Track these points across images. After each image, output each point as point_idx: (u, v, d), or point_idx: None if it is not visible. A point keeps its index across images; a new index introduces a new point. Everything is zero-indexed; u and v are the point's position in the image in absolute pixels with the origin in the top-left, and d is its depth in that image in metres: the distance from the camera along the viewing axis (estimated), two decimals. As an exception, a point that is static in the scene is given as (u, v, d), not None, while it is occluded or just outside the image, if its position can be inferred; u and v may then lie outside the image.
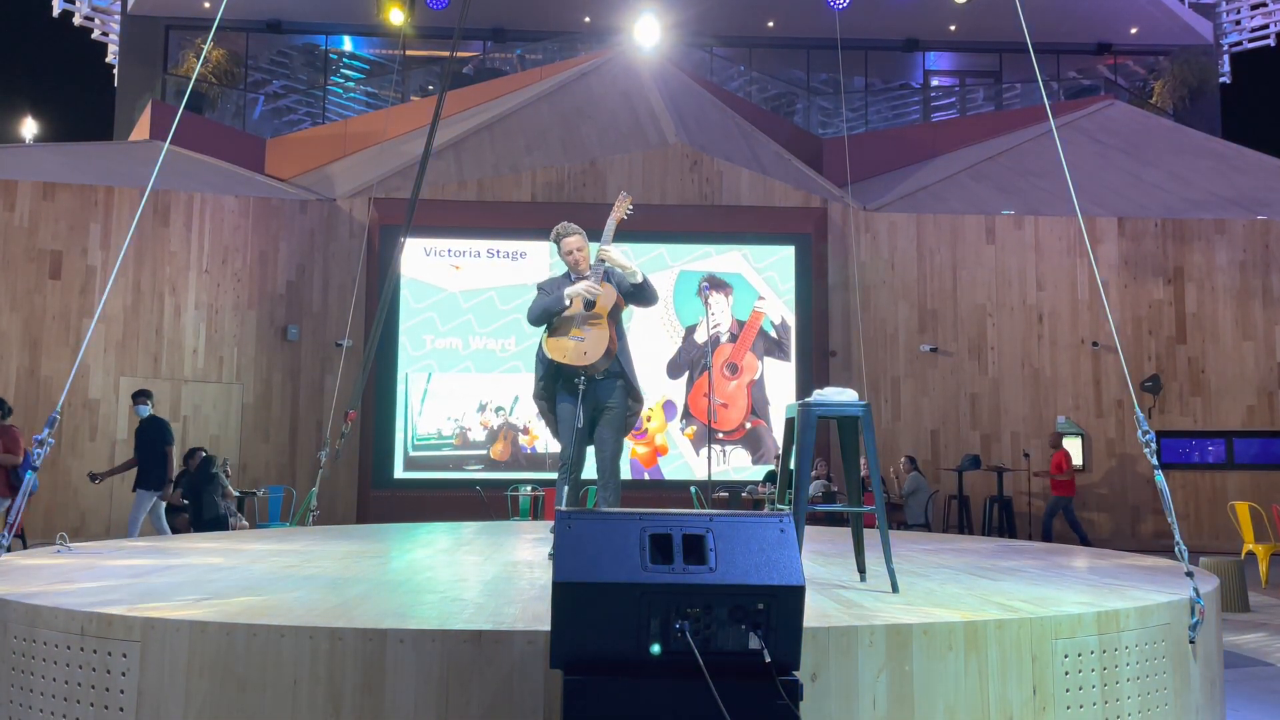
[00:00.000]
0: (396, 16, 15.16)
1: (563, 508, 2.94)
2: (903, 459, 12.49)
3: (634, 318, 13.79)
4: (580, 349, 4.82)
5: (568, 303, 4.83)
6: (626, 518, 2.59)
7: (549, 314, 4.90)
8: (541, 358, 4.97)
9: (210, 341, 12.99)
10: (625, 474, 13.37)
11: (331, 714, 2.93)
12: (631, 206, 5.14)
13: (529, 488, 11.93)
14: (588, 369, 4.82)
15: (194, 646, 3.01)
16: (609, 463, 4.92)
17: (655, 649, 2.47)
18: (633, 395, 5.01)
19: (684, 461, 13.86)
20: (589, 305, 4.86)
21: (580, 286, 4.84)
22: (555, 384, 4.95)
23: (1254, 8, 21.65)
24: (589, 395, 4.85)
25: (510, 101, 15.66)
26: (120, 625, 3.10)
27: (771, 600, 2.50)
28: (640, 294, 4.97)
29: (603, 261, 4.93)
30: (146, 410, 8.87)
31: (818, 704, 2.96)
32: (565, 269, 5.09)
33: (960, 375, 13.89)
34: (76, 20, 20.79)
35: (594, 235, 4.97)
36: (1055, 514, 12.05)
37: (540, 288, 5.08)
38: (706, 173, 14.01)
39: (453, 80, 13.06)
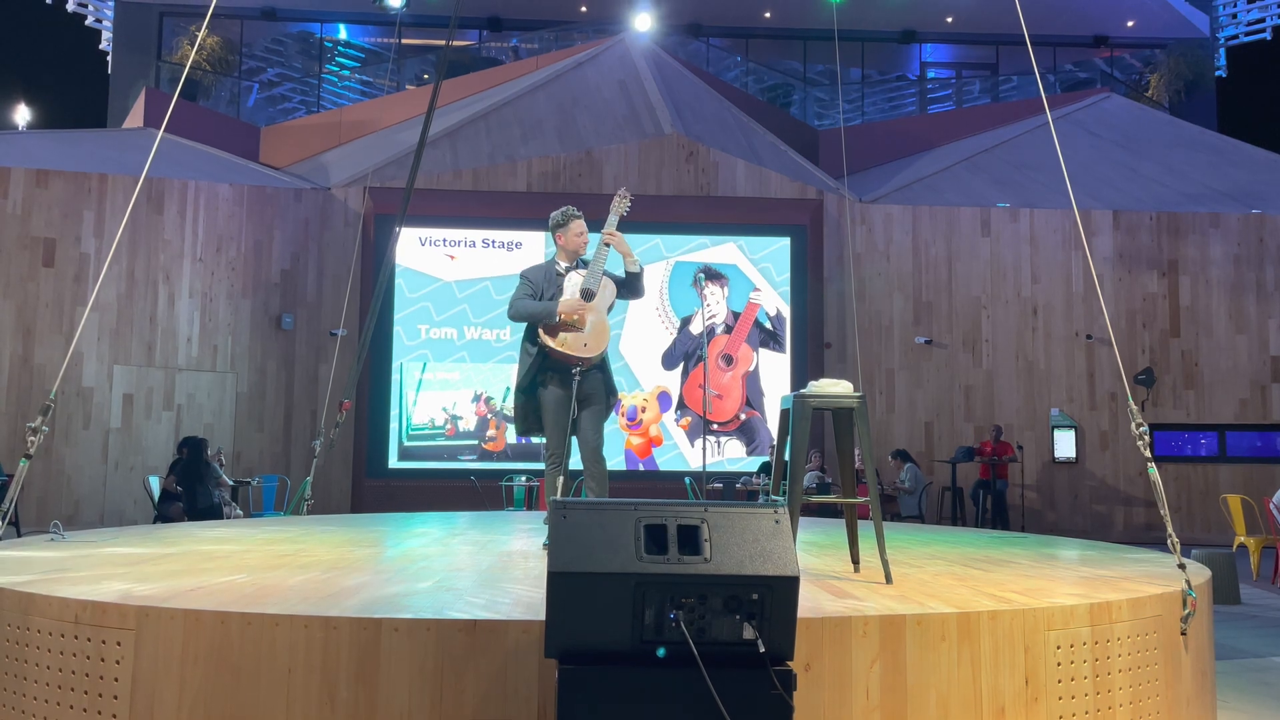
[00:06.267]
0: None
1: (555, 498, 2.95)
2: (890, 454, 12.43)
3: (629, 308, 13.78)
4: (580, 339, 4.77)
5: (558, 319, 4.75)
6: (621, 508, 2.59)
7: (536, 321, 4.82)
8: (531, 348, 4.87)
9: (204, 330, 12.96)
10: (620, 465, 13.50)
11: (326, 703, 2.93)
12: (630, 202, 5.08)
13: (523, 478, 11.93)
14: (584, 360, 4.80)
15: (188, 635, 3.01)
16: (595, 453, 4.92)
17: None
18: (609, 388, 5.02)
19: (678, 452, 13.87)
20: (588, 296, 4.80)
21: (573, 304, 4.77)
22: (545, 375, 4.88)
23: (1250, 1, 21.66)
24: (577, 386, 4.84)
25: (506, 91, 15.61)
26: (114, 614, 3.09)
27: (766, 590, 2.50)
28: (633, 283, 4.96)
29: (606, 246, 4.84)
30: None
31: (811, 694, 2.96)
32: (551, 256, 5.07)
33: (955, 367, 13.91)
34: (70, 6, 20.67)
35: (594, 227, 4.94)
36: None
37: (525, 277, 4.95)
38: (702, 163, 13.99)
39: (448, 69, 13.01)
